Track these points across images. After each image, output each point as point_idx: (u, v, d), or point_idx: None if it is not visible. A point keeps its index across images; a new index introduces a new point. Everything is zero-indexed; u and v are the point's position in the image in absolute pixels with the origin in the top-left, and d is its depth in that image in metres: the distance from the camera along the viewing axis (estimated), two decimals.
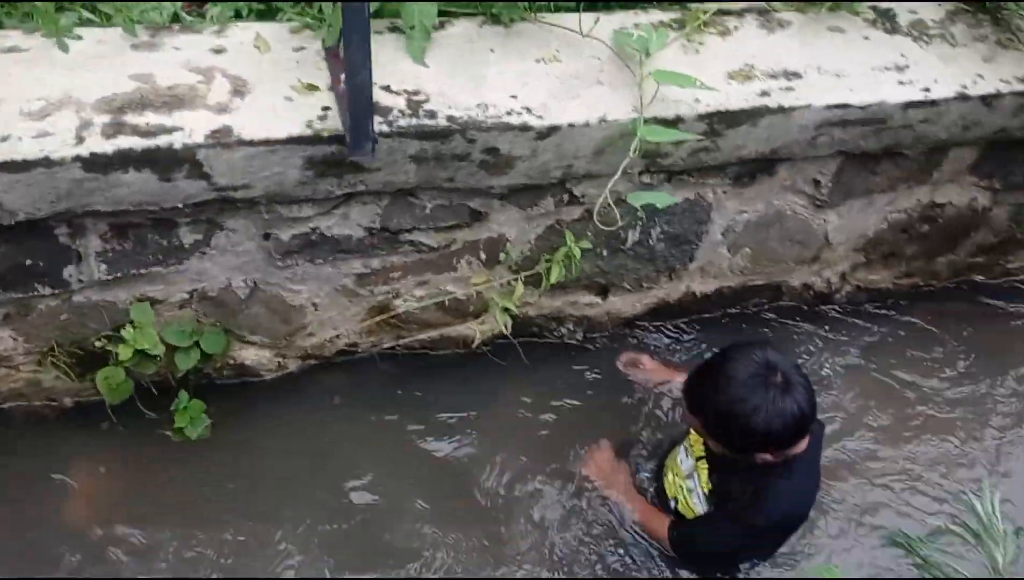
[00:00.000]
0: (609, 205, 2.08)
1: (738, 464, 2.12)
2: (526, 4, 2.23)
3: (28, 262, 2.04)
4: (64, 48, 1.98)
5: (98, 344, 2.20)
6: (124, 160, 1.82)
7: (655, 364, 2.75)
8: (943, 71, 2.38)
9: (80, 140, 1.80)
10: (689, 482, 2.31)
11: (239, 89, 1.98)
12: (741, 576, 2.34)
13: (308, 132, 1.92)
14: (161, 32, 2.05)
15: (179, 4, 2.14)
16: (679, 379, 2.67)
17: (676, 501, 2.34)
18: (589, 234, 2.42)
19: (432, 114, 2.00)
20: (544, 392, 2.69)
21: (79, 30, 2.00)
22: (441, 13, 2.16)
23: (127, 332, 2.12)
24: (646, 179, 2.34)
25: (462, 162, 2.08)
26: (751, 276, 2.82)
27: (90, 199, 1.89)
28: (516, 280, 2.45)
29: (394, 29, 2.14)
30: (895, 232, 2.83)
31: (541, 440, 2.59)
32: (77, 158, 1.79)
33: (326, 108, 1.96)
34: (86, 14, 2.07)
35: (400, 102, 2.01)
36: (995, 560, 1.61)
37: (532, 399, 2.67)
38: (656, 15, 2.33)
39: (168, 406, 2.38)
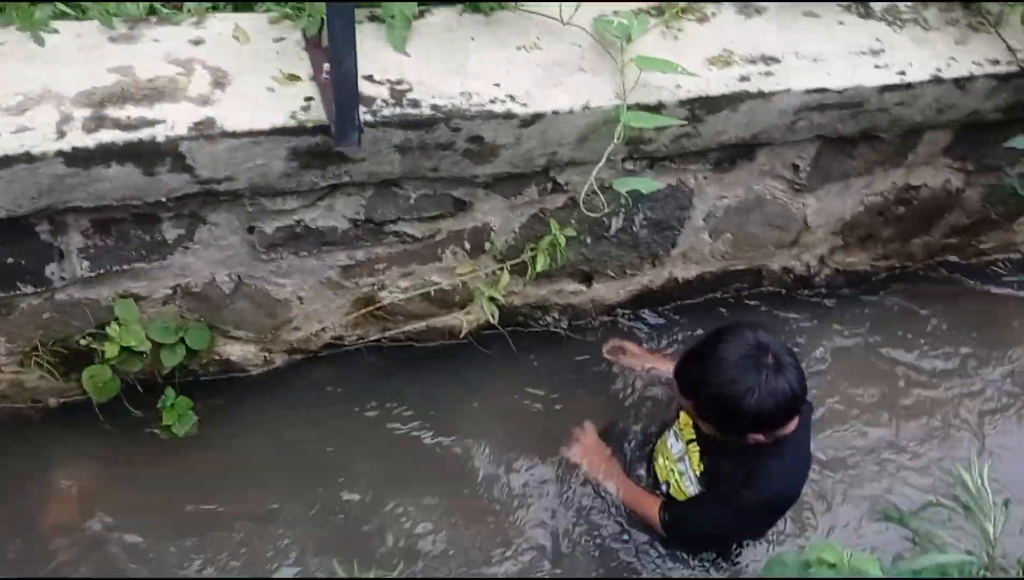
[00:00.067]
0: (595, 191, 2.09)
1: (729, 446, 2.14)
2: None
3: (9, 261, 2.01)
4: (40, 42, 1.95)
5: (83, 342, 2.17)
6: (106, 154, 1.80)
7: (640, 351, 2.77)
8: (917, 54, 2.42)
9: (61, 134, 1.78)
10: (680, 465, 2.33)
11: (220, 81, 1.96)
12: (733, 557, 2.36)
13: (292, 123, 1.90)
14: (139, 24, 2.02)
15: None
16: (664, 365, 2.70)
17: (668, 485, 2.35)
18: (573, 222, 2.43)
19: (416, 103, 2.00)
20: (531, 381, 2.70)
21: (55, 23, 1.97)
22: (421, 1, 2.16)
23: (112, 329, 2.09)
24: (629, 166, 2.35)
25: (446, 151, 2.08)
26: (732, 261, 2.84)
27: (72, 195, 1.86)
28: (502, 269, 2.46)
29: (374, 18, 2.13)
30: (872, 215, 2.87)
31: (529, 429, 2.59)
32: (59, 153, 1.77)
33: (309, 98, 1.95)
34: (61, 7, 2.03)
35: (383, 92, 2.00)
36: (986, 531, 1.63)
37: (519, 388, 2.68)
38: (634, 3, 2.34)
39: (154, 404, 2.36)
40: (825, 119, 2.39)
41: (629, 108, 2.08)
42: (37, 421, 2.38)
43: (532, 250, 2.44)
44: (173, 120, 1.85)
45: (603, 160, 2.06)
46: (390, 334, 2.60)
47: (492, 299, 2.47)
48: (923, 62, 2.40)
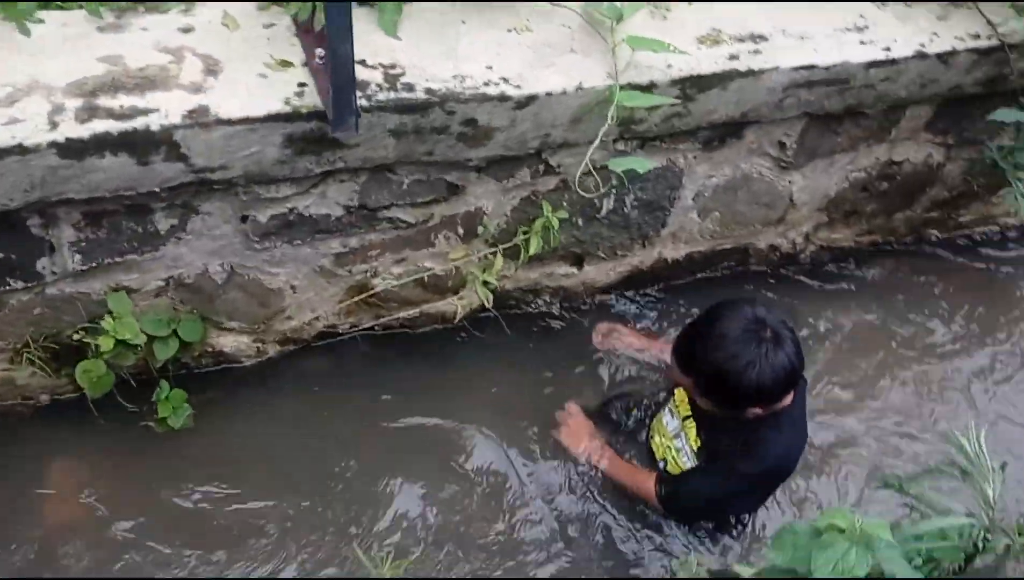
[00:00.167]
0: (590, 172, 2.09)
1: (727, 420, 2.16)
2: None
3: (3, 256, 1.97)
4: (26, 32, 1.91)
5: (75, 337, 2.14)
6: (100, 144, 1.78)
7: (631, 332, 2.79)
8: (901, 30, 2.45)
9: (53, 125, 1.75)
10: (677, 442, 2.35)
11: (211, 68, 1.94)
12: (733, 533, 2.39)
13: (286, 109, 1.89)
14: (127, 13, 1.99)
15: None
16: (655, 345, 2.72)
17: (665, 462, 2.38)
18: (565, 204, 2.44)
19: (410, 87, 1.99)
20: (524, 364, 2.71)
21: (41, 13, 1.94)
22: None
23: (107, 322, 2.07)
24: (620, 146, 2.36)
25: (441, 135, 2.08)
26: (720, 240, 2.86)
27: (65, 186, 1.84)
28: (495, 253, 2.46)
29: (364, 2, 2.12)
30: (856, 191, 2.90)
31: (523, 412, 2.60)
32: (52, 144, 1.74)
33: (302, 84, 1.94)
34: None
35: (377, 76, 1.99)
36: (985, 494, 1.66)
37: (512, 372, 2.69)
38: None
39: (148, 398, 2.33)
40: (812, 96, 2.41)
41: (622, 88, 2.09)
42: (29, 418, 2.35)
43: (525, 233, 2.44)
44: (166, 108, 1.83)
45: (598, 140, 2.07)
46: (383, 321, 2.59)
47: (486, 283, 2.47)
48: (907, 38, 2.43)
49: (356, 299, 2.47)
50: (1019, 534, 1.64)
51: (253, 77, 1.94)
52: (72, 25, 1.94)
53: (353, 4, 2.05)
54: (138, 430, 2.33)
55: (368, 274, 2.43)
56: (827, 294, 2.96)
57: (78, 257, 2.05)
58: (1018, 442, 2.61)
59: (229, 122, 1.85)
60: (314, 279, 2.39)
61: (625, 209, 2.57)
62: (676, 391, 2.42)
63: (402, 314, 2.59)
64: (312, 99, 1.91)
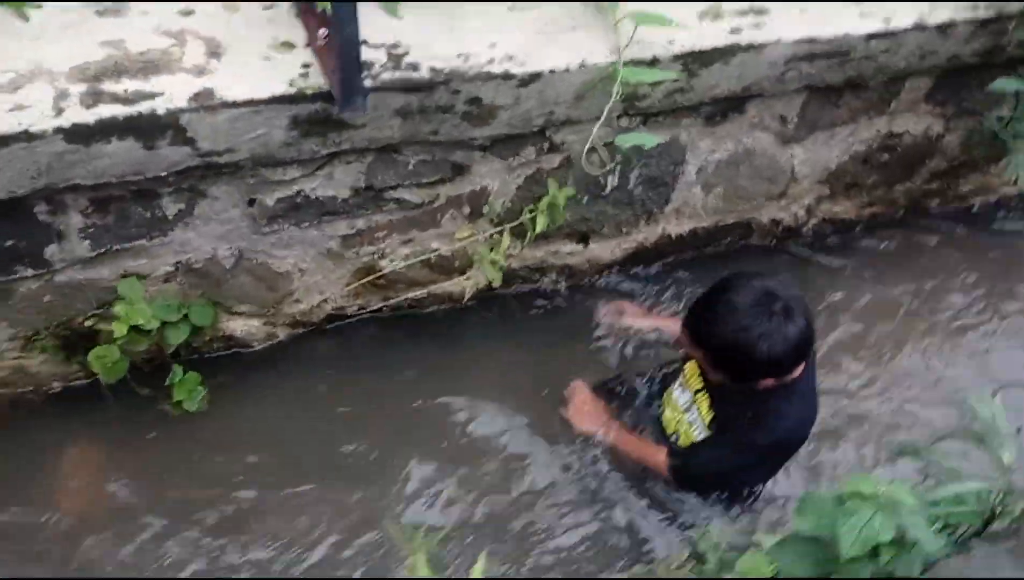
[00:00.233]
0: (596, 149, 2.10)
1: (738, 393, 2.16)
2: None
3: (8, 244, 1.98)
4: (24, 18, 1.91)
5: (87, 323, 2.15)
6: (106, 129, 1.78)
7: (637, 309, 2.79)
8: (900, 2, 2.44)
9: (59, 111, 1.75)
10: (688, 415, 2.36)
11: (214, 51, 1.94)
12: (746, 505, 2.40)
13: (292, 90, 1.89)
14: None
15: None
16: (662, 321, 2.73)
17: (676, 435, 2.38)
18: (570, 182, 2.44)
19: (415, 66, 1.99)
20: (532, 343, 2.72)
21: None
22: None
23: (120, 308, 2.07)
24: (624, 123, 2.36)
25: (446, 114, 2.08)
26: (723, 215, 2.87)
27: (72, 172, 1.84)
28: (501, 232, 2.46)
29: None
30: (856, 163, 2.91)
31: (530, 390, 2.60)
32: (58, 130, 1.74)
33: (306, 65, 1.94)
34: None
35: (381, 56, 1.99)
36: (1001, 459, 1.67)
37: (520, 351, 2.70)
38: None
39: (159, 383, 2.34)
40: (813, 69, 2.41)
41: (625, 64, 2.09)
42: (42, 406, 2.35)
43: (531, 212, 2.44)
44: (171, 92, 1.83)
45: (603, 116, 2.07)
46: (391, 303, 2.60)
47: (493, 263, 2.47)
48: (906, 9, 2.43)
49: (364, 281, 2.47)
50: None
51: (256, 59, 1.94)
52: (71, 10, 1.94)
53: None
54: (152, 414, 2.34)
55: (375, 256, 2.43)
56: (830, 267, 2.98)
57: (86, 243, 2.05)
58: None
59: (235, 105, 1.85)
60: (322, 262, 2.39)
61: (629, 186, 2.58)
62: (686, 365, 2.43)
63: (410, 295, 2.59)
64: (316, 80, 1.91)
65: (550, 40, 2.13)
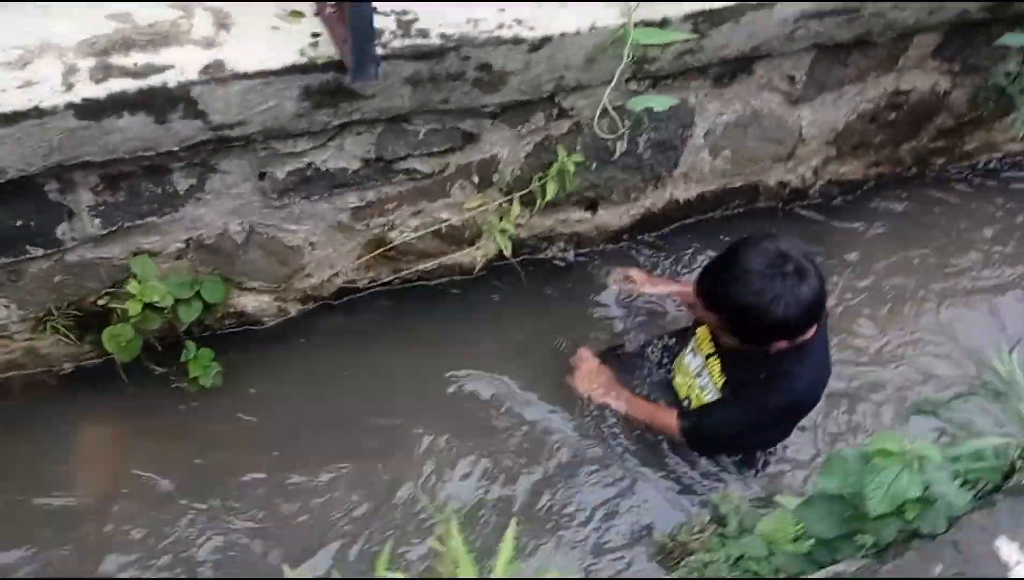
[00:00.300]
0: (608, 112, 2.08)
1: (751, 355, 2.17)
2: None
3: (18, 223, 1.95)
4: None
5: (100, 302, 2.13)
6: (118, 104, 1.75)
7: (646, 275, 2.79)
8: None
9: (69, 87, 1.72)
10: (700, 380, 2.37)
11: (222, 22, 1.91)
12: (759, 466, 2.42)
13: (303, 60, 1.86)
14: None
15: None
16: (670, 287, 2.73)
17: (689, 401, 2.39)
18: (579, 148, 2.42)
19: (424, 33, 1.96)
20: (542, 311, 2.72)
21: None
22: None
23: (133, 286, 2.05)
24: (633, 86, 2.34)
25: (456, 81, 2.05)
26: (731, 178, 2.86)
27: (83, 149, 1.81)
28: (511, 201, 2.45)
29: None
30: (864, 122, 2.90)
31: (544, 359, 2.61)
32: (69, 105, 1.71)
33: (316, 35, 1.91)
34: None
35: (390, 23, 1.96)
36: (1019, 413, 1.68)
37: (529, 319, 2.70)
38: None
39: (172, 361, 2.34)
40: (823, 26, 2.39)
41: (636, 26, 2.06)
42: (54, 387, 2.35)
43: (540, 179, 2.43)
44: (182, 65, 1.80)
45: (615, 79, 2.05)
46: (402, 275, 2.59)
47: (503, 231, 2.46)
48: None
49: (374, 253, 2.46)
50: None
51: (265, 29, 1.91)
52: None
53: None
54: (167, 392, 2.34)
55: (385, 227, 2.42)
56: (839, 228, 2.98)
57: (97, 221, 2.03)
58: None
59: (246, 76, 1.83)
60: (332, 235, 2.37)
61: (638, 150, 2.56)
62: (697, 330, 2.43)
63: (420, 266, 2.58)
64: (327, 49, 1.88)
65: (560, 4, 2.10)
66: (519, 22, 2.04)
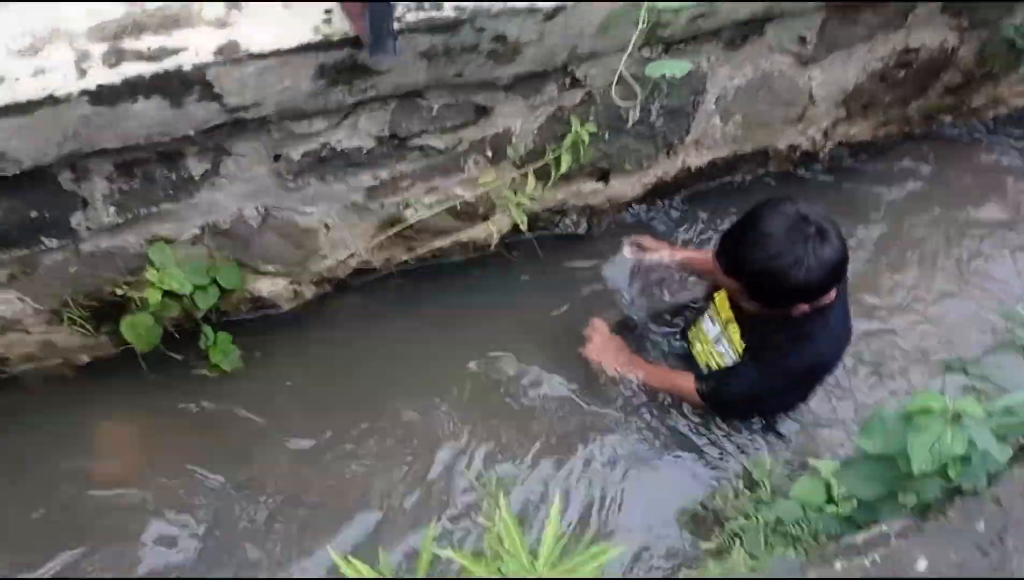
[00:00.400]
0: (624, 80, 2.05)
1: (772, 320, 2.16)
2: None
3: (32, 214, 1.92)
4: None
5: (118, 292, 2.10)
6: (133, 89, 1.71)
7: (659, 244, 2.77)
8: None
9: (83, 73, 1.68)
10: (719, 347, 2.36)
11: (233, 2, 1.86)
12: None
13: (317, 38, 1.82)
14: None
15: None
16: (683, 255, 2.71)
17: (709, 369, 2.39)
18: (592, 118, 2.40)
19: (438, 5, 1.92)
20: (556, 284, 2.71)
21: None
22: None
23: (152, 274, 2.03)
24: (646, 53, 2.31)
25: (471, 54, 2.02)
26: (741, 143, 2.84)
27: (98, 136, 1.78)
28: (525, 174, 2.42)
29: None
30: (873, 81, 2.88)
31: (560, 331, 2.60)
32: (84, 92, 1.68)
33: (328, 11, 1.87)
34: None
35: None
36: None
37: (546, 293, 2.69)
38: None
39: (190, 348, 2.32)
40: None
41: None
42: (72, 379, 2.33)
43: (555, 151, 2.40)
44: (195, 46, 1.76)
45: (632, 44, 2.01)
46: (417, 254, 2.57)
47: (519, 205, 2.43)
48: None
49: (389, 233, 2.43)
50: None
51: (277, 7, 1.87)
52: None
53: None
54: (187, 379, 2.32)
55: (400, 206, 2.39)
56: (852, 189, 2.97)
57: (112, 210, 2.00)
58: None
59: (261, 56, 1.79)
60: (347, 216, 2.35)
61: (651, 118, 2.54)
62: (715, 296, 2.42)
63: (435, 245, 2.56)
64: (341, 25, 1.85)
65: None
66: None
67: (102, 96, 1.69)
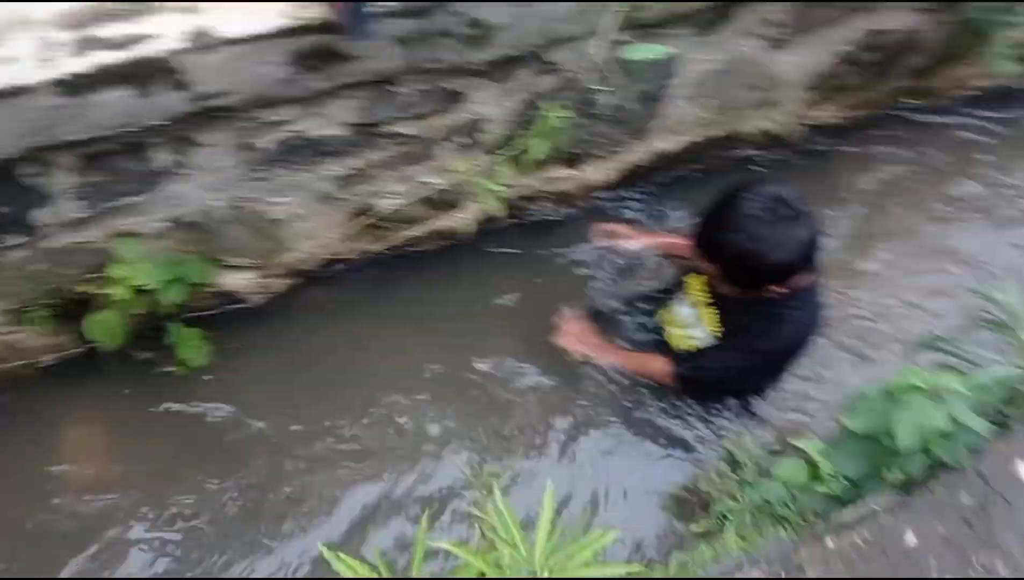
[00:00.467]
0: (599, 64, 2.04)
1: (747, 303, 2.17)
2: None
3: None
4: None
5: (80, 290, 2.03)
6: (100, 78, 1.66)
7: (630, 230, 2.77)
8: None
9: (49, 62, 1.62)
10: (692, 330, 2.36)
11: None
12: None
13: (291, 23, 1.78)
14: None
15: None
16: (654, 241, 2.71)
17: (682, 352, 2.39)
18: (565, 103, 2.38)
19: None
20: (528, 272, 2.69)
21: None
22: None
23: (119, 269, 1.96)
24: (620, 37, 2.29)
25: (445, 39, 1.99)
26: (712, 127, 2.85)
27: (64, 128, 1.71)
28: (499, 162, 2.40)
29: None
30: (842, 65, 2.89)
31: (532, 320, 2.57)
32: (50, 82, 1.61)
33: None
34: None
35: None
36: (1022, 343, 1.72)
37: (518, 281, 2.67)
38: None
39: (156, 346, 2.26)
40: None
41: None
42: (36, 381, 2.26)
43: (528, 137, 2.38)
44: (164, 33, 1.70)
45: (608, 28, 2.01)
46: (389, 244, 2.53)
47: (492, 192, 2.41)
48: None
49: (360, 223, 2.39)
50: None
51: None
52: None
53: None
54: (154, 377, 2.27)
55: (371, 195, 2.35)
56: (820, 172, 2.99)
57: (75, 204, 1.93)
58: None
59: (233, 42, 1.74)
60: (317, 206, 2.30)
61: (623, 103, 2.52)
62: (687, 281, 2.43)
63: (407, 234, 2.53)
64: (315, 11, 1.80)
65: None
66: None
67: (69, 86, 1.63)
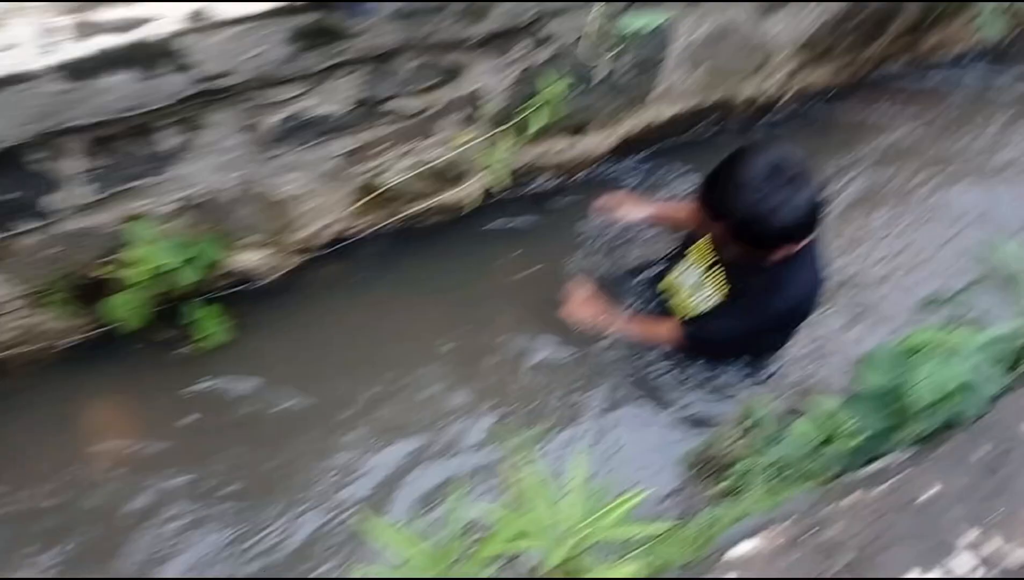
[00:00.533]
0: (594, 34, 2.03)
1: (751, 266, 2.17)
2: None
3: (5, 198, 1.85)
4: None
5: (96, 273, 2.06)
6: (102, 62, 1.68)
7: (630, 199, 2.76)
8: None
9: (51, 48, 1.62)
10: (698, 295, 2.36)
11: None
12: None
13: (288, 2, 1.78)
14: None
15: None
16: (655, 208, 2.70)
17: (687, 317, 2.39)
18: (562, 74, 2.37)
19: None
20: (532, 244, 2.71)
21: None
22: None
23: (138, 251, 1.98)
24: (612, 7, 2.28)
25: (442, 13, 1.99)
26: (707, 93, 2.85)
27: (70, 113, 1.73)
28: (499, 134, 2.39)
29: None
30: (830, 27, 2.89)
31: (539, 291, 2.60)
32: (53, 68, 1.62)
33: None
34: None
35: None
36: None
37: (524, 253, 2.69)
38: None
39: (174, 326, 2.29)
40: None
41: None
42: (57, 364, 2.29)
43: (527, 109, 2.38)
44: (162, 16, 1.71)
45: None
46: (396, 219, 2.55)
47: (496, 164, 2.41)
48: None
49: (367, 199, 2.41)
50: None
51: None
52: None
53: None
54: (173, 356, 2.31)
55: (377, 172, 2.36)
56: (814, 135, 2.99)
57: (87, 188, 1.95)
58: None
59: (233, 22, 1.74)
60: (324, 183, 2.32)
61: (620, 72, 2.53)
62: (691, 247, 2.42)
63: (413, 208, 2.54)
64: None
65: None
66: None
67: (73, 70, 1.65)
